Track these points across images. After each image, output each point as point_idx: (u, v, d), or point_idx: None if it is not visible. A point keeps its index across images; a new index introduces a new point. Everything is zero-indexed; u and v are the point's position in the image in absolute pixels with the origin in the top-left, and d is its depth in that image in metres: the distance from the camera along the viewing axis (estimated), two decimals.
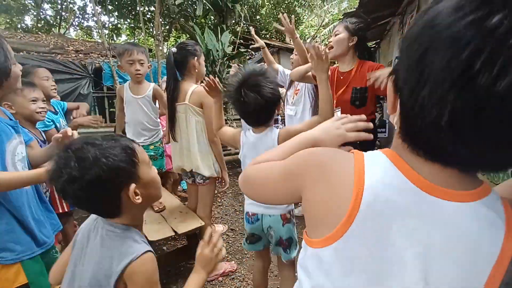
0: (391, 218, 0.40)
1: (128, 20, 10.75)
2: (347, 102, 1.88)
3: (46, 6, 10.66)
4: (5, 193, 1.06)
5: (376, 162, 0.44)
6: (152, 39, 8.47)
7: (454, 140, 0.34)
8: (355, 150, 0.48)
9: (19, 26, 10.28)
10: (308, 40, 14.00)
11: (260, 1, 8.28)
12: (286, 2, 8.91)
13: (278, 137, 1.25)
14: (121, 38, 12.11)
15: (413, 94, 0.36)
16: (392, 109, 0.45)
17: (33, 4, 10.19)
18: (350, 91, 1.88)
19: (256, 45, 2.59)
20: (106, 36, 11.63)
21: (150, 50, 8.12)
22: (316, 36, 7.87)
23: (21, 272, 1.10)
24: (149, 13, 9.74)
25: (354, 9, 4.27)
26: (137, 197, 0.74)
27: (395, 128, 0.45)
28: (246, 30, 7.41)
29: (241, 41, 5.75)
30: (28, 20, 10.57)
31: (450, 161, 0.39)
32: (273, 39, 10.22)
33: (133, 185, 0.73)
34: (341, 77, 1.94)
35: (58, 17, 10.81)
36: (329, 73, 1.30)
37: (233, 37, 5.86)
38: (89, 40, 10.87)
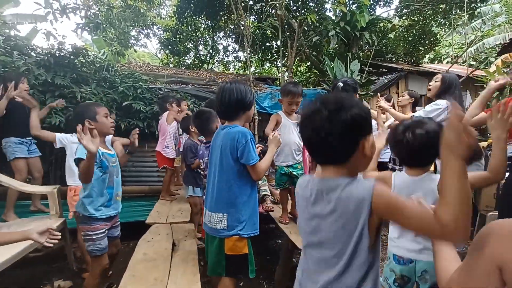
0: None
1: (258, 53, 12.60)
2: None
3: (200, 47, 13.90)
4: (255, 182, 1.54)
5: None
6: (275, 68, 9.75)
7: None
8: None
9: (182, 64, 13.70)
10: (444, 62, 12.19)
11: (390, 26, 8.00)
12: (420, 23, 8.22)
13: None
14: (251, 68, 14.23)
15: None
16: None
17: (193, 46, 13.46)
18: None
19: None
20: (239, 68, 14.06)
21: (276, 79, 9.17)
22: (459, 56, 6.86)
23: (246, 245, 1.51)
24: (276, 46, 11.15)
25: None
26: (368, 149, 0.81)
27: None
28: (374, 56, 7.25)
29: (370, 68, 5.72)
30: (187, 59, 13.97)
31: None
32: (401, 61, 9.55)
33: (371, 136, 0.83)
34: None
35: (209, 55, 13.77)
36: None
37: (361, 65, 5.92)
38: (227, 72, 13.25)
